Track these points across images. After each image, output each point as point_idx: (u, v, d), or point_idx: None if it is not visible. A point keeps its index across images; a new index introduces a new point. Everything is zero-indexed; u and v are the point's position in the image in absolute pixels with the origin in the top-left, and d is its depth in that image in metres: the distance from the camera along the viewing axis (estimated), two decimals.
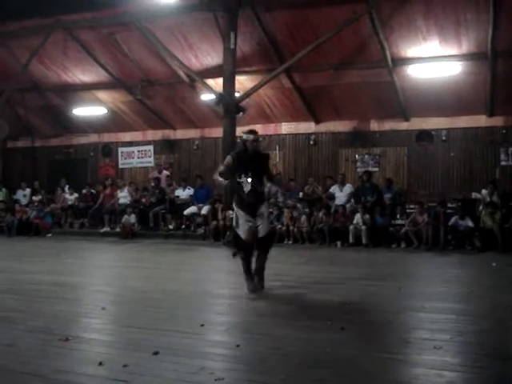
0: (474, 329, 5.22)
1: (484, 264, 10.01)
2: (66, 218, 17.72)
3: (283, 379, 3.78)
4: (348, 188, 14.83)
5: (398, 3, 12.98)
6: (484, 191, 13.78)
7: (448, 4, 12.71)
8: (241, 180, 6.92)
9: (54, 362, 4.19)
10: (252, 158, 7.01)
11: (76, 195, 18.19)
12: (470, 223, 12.35)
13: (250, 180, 6.87)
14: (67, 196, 18.18)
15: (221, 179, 7.15)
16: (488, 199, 13.23)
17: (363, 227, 13.06)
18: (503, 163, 15.50)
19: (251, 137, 7.04)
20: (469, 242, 12.27)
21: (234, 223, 7.13)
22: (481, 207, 13.17)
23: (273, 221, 14.04)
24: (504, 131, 15.45)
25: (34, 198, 18.28)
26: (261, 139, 7.47)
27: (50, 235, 16.27)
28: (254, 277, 6.92)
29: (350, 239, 13.17)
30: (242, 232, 6.84)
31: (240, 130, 15.79)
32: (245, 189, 6.90)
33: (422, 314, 5.85)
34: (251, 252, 6.97)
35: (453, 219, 12.52)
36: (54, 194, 18.65)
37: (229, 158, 7.10)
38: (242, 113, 14.88)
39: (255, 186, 6.91)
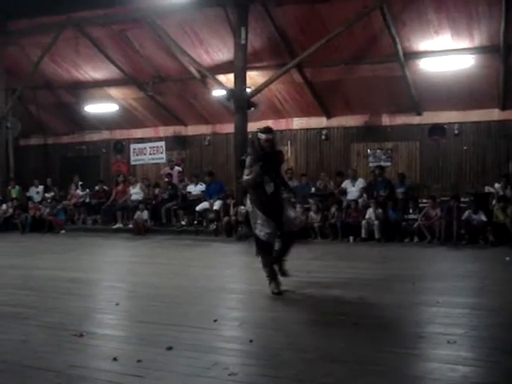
0: (488, 323, 5.20)
1: (497, 258, 9.96)
2: (79, 214, 17.80)
3: (296, 374, 3.79)
4: (360, 183, 14.79)
5: None
6: (497, 185, 13.69)
7: None
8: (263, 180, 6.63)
9: (69, 357, 4.22)
10: (270, 156, 6.69)
11: (88, 191, 18.25)
12: (484, 217, 12.27)
13: (272, 181, 6.63)
14: (80, 192, 18.25)
15: (247, 178, 6.69)
16: (501, 193, 13.15)
17: (376, 222, 13.02)
18: None
19: (263, 136, 6.69)
20: (482, 236, 12.21)
21: (252, 223, 6.79)
22: (494, 201, 13.08)
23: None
24: None
25: (46, 195, 18.36)
26: (275, 137, 6.97)
27: (63, 232, 16.35)
28: (277, 271, 6.79)
29: (363, 234, 13.13)
30: (261, 234, 6.60)
31: (252, 126, 15.82)
32: (267, 189, 6.63)
33: (436, 308, 5.83)
34: (272, 252, 6.78)
35: (466, 213, 12.44)
36: (67, 191, 18.73)
37: (250, 159, 6.66)
38: (253, 108, 14.86)
39: (277, 187, 6.74)
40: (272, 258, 6.74)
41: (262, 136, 6.68)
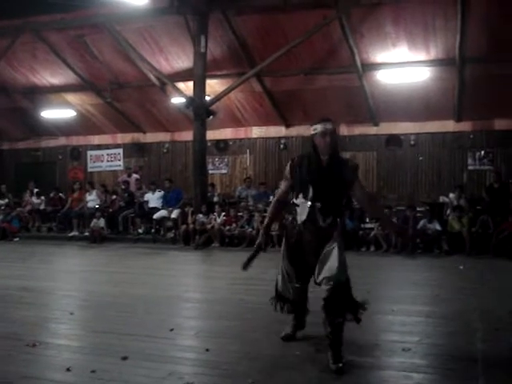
0: (442, 331, 5.29)
1: (451, 267, 10.13)
2: (34, 221, 17.48)
3: (252, 383, 3.79)
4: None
5: (368, 9, 13.08)
6: (451, 195, 13.95)
7: (417, 10, 12.84)
8: (296, 201, 4.52)
9: (21, 368, 4.14)
10: (326, 165, 4.44)
11: (43, 198, 17.95)
12: (438, 227, 12.50)
13: (309, 202, 4.39)
14: (34, 200, 17.93)
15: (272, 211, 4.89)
16: (455, 203, 13.40)
17: None
18: (470, 167, 15.76)
19: (319, 128, 4.42)
20: (437, 245, 12.41)
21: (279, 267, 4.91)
22: (448, 211, 13.34)
23: (243, 225, 14.04)
24: (471, 136, 15.70)
25: (0, 201, 17.99)
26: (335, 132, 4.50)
27: (17, 239, 16.00)
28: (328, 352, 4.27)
29: None
30: (282, 286, 4.84)
31: (210, 134, 15.83)
32: (299, 217, 4.50)
33: (391, 316, 5.90)
34: (304, 310, 4.99)
35: (421, 222, 12.66)
36: (21, 198, 18.40)
37: (288, 166, 4.64)
38: (212, 116, 14.86)
39: (318, 214, 4.41)
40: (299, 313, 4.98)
41: (318, 128, 4.43)
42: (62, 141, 20.59)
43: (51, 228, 17.15)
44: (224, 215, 14.16)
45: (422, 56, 14.00)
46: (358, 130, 16.65)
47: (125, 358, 4.31)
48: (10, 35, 15.63)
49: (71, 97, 18.40)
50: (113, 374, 3.99)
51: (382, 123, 16.39)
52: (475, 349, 4.64)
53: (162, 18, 14.41)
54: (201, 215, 14.19)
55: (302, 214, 4.45)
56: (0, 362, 4.28)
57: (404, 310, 6.23)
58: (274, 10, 13.68)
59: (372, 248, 12.89)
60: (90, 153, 19.40)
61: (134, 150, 19.35)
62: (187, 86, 15.27)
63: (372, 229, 13.11)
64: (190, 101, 14.45)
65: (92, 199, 16.70)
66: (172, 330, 5.25)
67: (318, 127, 4.41)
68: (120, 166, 18.61)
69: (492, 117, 15.27)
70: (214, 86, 15.45)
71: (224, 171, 18.38)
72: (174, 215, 15.05)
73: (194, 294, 7.58)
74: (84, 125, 19.51)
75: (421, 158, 16.26)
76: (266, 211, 14.07)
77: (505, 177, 14.44)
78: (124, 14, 14.33)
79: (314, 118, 14.06)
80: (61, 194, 18.07)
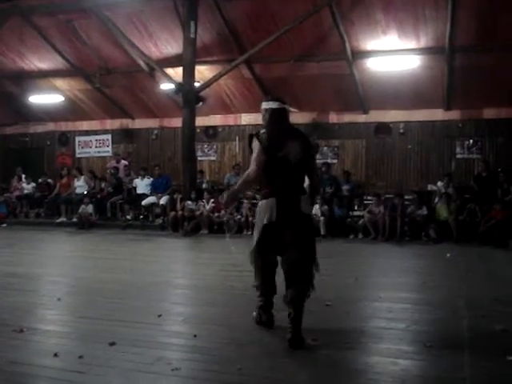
0: (429, 318, 5.32)
1: (439, 255, 10.18)
2: (22, 207, 17.41)
3: (240, 369, 3.80)
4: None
5: None
6: (440, 183, 14.04)
7: None
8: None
9: (9, 353, 4.14)
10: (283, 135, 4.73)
11: (33, 184, 17.86)
12: (425, 211, 12.61)
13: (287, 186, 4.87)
14: (24, 185, 17.84)
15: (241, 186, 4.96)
16: (443, 191, 13.47)
17: (321, 218, 13.14)
18: (459, 156, 15.82)
19: (269, 105, 4.79)
20: (424, 233, 12.48)
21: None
22: (436, 199, 13.41)
23: (232, 212, 14.02)
24: (460, 125, 15.73)
25: None
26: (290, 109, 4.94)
27: (4, 225, 15.93)
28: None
29: None
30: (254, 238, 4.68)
31: (200, 121, 15.79)
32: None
33: (378, 303, 5.94)
34: (273, 284, 4.84)
35: (410, 209, 12.76)
36: (9, 183, 18.29)
37: (257, 145, 4.56)
38: (201, 103, 14.81)
39: (295, 197, 4.96)
40: (269, 293, 4.82)
41: (269, 105, 4.77)
42: (50, 126, 20.44)
43: (39, 214, 17.08)
44: (213, 202, 14.15)
45: (411, 44, 13.98)
46: (348, 117, 16.65)
47: (112, 344, 4.31)
48: None
49: (59, 82, 18.26)
50: (100, 359, 4.00)
51: (372, 111, 16.39)
52: (461, 336, 4.68)
53: (152, 3, 14.29)
54: (189, 202, 14.17)
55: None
56: None
57: (391, 296, 6.27)
58: None
59: (360, 235, 12.95)
60: (78, 138, 19.29)
61: (123, 136, 19.25)
62: (176, 72, 15.19)
63: (361, 216, 13.16)
64: (179, 87, 14.39)
65: (80, 185, 16.63)
66: (160, 315, 5.25)
67: (271, 104, 4.88)
68: (108, 152, 18.52)
69: (481, 106, 15.30)
70: (203, 72, 15.39)
71: (213, 158, 18.34)
72: (162, 202, 15.03)
73: (182, 280, 7.59)
74: (72, 110, 19.37)
75: (409, 147, 16.30)
76: (254, 198, 14.13)
77: (493, 166, 14.54)
78: None
79: (303, 105, 13.88)
80: (49, 180, 17.97)
